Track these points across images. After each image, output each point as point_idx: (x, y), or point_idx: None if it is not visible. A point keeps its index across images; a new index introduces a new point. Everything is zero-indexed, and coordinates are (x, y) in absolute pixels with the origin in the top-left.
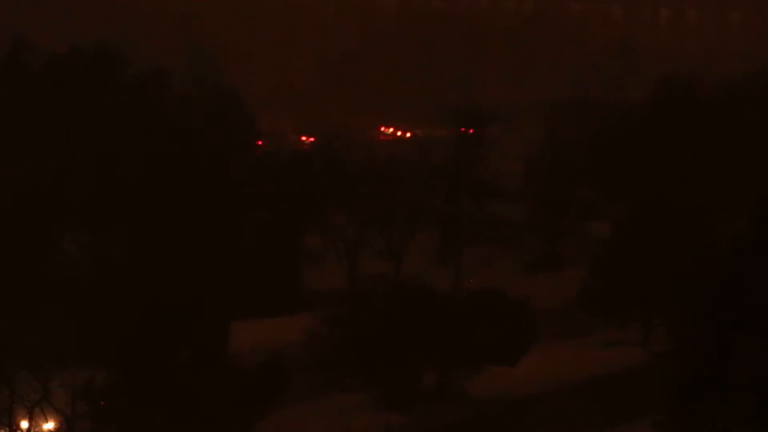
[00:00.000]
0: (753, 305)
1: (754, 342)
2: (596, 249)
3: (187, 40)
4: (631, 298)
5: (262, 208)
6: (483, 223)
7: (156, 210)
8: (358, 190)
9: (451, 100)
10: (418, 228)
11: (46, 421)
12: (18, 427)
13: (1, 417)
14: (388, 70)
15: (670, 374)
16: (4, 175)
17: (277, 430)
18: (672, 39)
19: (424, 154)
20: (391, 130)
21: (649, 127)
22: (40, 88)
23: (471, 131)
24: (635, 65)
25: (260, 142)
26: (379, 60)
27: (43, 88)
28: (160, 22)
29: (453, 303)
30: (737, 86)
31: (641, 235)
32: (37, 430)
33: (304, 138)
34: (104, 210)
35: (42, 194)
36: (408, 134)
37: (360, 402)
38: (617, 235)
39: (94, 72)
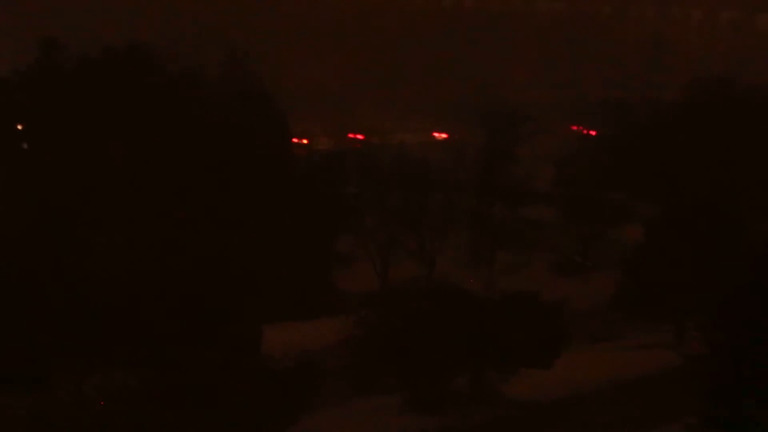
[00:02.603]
0: None
1: None
2: (628, 251)
3: (219, 41)
4: (664, 301)
5: (294, 210)
6: (514, 225)
7: (188, 211)
8: (390, 191)
9: (482, 101)
10: (450, 230)
11: None
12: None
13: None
14: (419, 70)
15: (702, 378)
16: (36, 176)
17: None
18: (704, 39)
19: (456, 155)
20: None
21: (681, 128)
22: (71, 89)
23: (502, 132)
24: (667, 66)
25: (295, 140)
26: (410, 60)
27: (75, 89)
28: (190, 22)
29: (486, 305)
30: None
31: (674, 237)
32: None
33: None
34: (137, 210)
35: (74, 194)
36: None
37: (393, 404)
38: (649, 237)
39: (125, 72)
